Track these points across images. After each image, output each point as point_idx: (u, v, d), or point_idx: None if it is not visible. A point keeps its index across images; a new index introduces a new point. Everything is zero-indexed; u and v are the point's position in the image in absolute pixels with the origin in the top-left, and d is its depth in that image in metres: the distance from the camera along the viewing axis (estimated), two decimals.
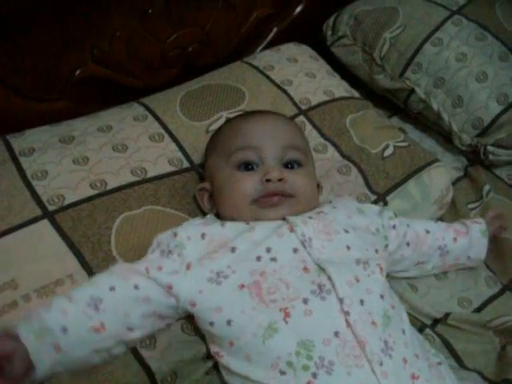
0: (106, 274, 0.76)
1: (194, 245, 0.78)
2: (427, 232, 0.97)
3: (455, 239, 0.99)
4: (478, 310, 1.01)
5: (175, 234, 0.79)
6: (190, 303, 0.76)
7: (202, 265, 0.77)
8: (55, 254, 0.83)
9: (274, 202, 0.83)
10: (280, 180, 0.82)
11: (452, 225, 1.02)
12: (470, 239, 1.00)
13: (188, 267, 0.76)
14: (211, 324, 0.75)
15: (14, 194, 0.89)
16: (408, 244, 0.94)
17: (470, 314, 1.00)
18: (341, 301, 0.72)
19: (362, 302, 0.73)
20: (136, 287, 0.74)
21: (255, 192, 0.83)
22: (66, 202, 0.89)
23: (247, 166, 0.86)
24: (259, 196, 0.83)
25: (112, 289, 0.73)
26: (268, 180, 0.82)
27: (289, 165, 0.87)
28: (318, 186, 0.95)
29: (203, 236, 0.79)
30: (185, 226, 0.82)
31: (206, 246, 0.79)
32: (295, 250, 0.78)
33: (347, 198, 1.00)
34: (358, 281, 0.75)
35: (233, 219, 0.85)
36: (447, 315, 0.97)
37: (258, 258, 0.76)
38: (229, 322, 0.73)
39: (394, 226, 0.92)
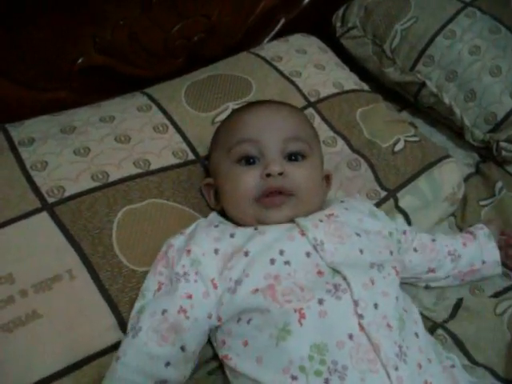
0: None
1: (209, 260, 0.76)
2: (433, 240, 0.96)
3: (464, 244, 0.98)
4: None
5: (189, 252, 0.77)
6: (217, 319, 0.75)
7: (224, 279, 0.75)
8: (54, 248, 0.81)
9: (274, 202, 0.81)
10: (281, 174, 0.80)
11: (457, 235, 1.02)
12: (478, 243, 0.98)
13: (215, 286, 0.75)
14: (238, 321, 0.73)
15: (12, 185, 0.87)
16: (415, 250, 0.93)
17: (482, 296, 1.00)
18: (356, 303, 0.70)
19: (376, 305, 0.71)
20: (183, 348, 0.73)
21: (256, 189, 0.81)
22: (66, 194, 0.87)
23: (248, 160, 0.83)
24: (260, 194, 0.81)
25: (167, 364, 0.72)
26: (268, 175, 0.80)
27: (292, 156, 0.84)
28: (328, 177, 0.94)
29: (216, 252, 0.77)
30: (196, 240, 0.78)
31: (222, 260, 0.76)
32: (308, 254, 0.76)
33: (359, 198, 0.98)
34: (373, 283, 0.73)
35: (237, 218, 0.84)
36: (461, 300, 0.97)
37: (272, 261, 0.74)
38: (249, 321, 0.72)
39: (404, 232, 0.92)
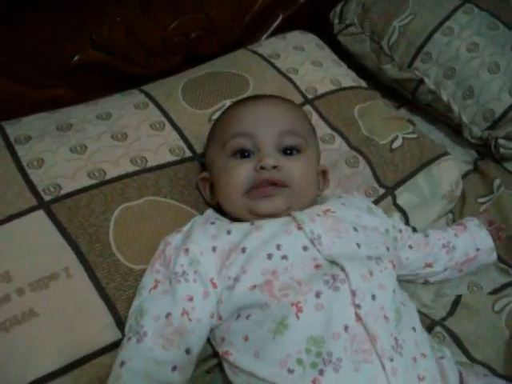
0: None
1: (208, 259, 0.76)
2: (426, 236, 0.97)
3: (456, 234, 0.98)
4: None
5: (186, 250, 0.76)
6: (218, 318, 0.75)
7: (223, 277, 0.75)
8: (50, 247, 0.80)
9: (266, 192, 0.80)
10: (275, 167, 0.80)
11: (448, 227, 1.02)
12: (470, 231, 0.99)
13: (214, 285, 0.74)
14: (237, 317, 0.73)
15: (8, 182, 0.86)
16: (411, 247, 0.93)
17: (481, 293, 1.00)
18: (353, 293, 0.70)
19: (373, 296, 0.71)
20: (188, 351, 0.72)
21: (248, 181, 0.81)
22: (63, 192, 0.86)
23: (243, 154, 0.83)
24: (252, 186, 0.80)
25: (174, 369, 0.71)
26: (262, 168, 0.79)
27: (287, 151, 0.84)
28: (325, 172, 0.93)
29: (214, 249, 0.77)
30: (194, 238, 0.78)
31: (220, 258, 0.76)
32: (305, 248, 0.76)
33: (357, 195, 0.98)
34: (371, 275, 0.73)
35: (231, 211, 0.84)
36: (459, 297, 0.96)
37: (269, 256, 0.74)
38: (248, 317, 0.72)
39: (400, 230, 0.92)
